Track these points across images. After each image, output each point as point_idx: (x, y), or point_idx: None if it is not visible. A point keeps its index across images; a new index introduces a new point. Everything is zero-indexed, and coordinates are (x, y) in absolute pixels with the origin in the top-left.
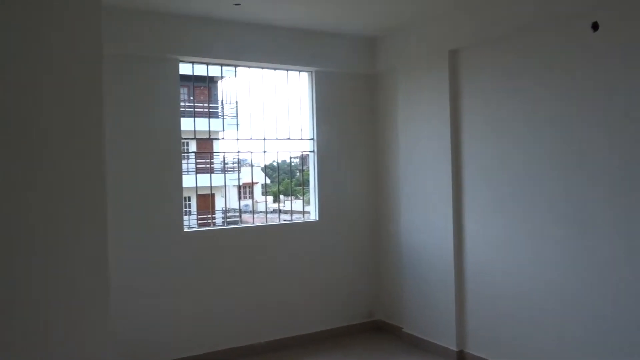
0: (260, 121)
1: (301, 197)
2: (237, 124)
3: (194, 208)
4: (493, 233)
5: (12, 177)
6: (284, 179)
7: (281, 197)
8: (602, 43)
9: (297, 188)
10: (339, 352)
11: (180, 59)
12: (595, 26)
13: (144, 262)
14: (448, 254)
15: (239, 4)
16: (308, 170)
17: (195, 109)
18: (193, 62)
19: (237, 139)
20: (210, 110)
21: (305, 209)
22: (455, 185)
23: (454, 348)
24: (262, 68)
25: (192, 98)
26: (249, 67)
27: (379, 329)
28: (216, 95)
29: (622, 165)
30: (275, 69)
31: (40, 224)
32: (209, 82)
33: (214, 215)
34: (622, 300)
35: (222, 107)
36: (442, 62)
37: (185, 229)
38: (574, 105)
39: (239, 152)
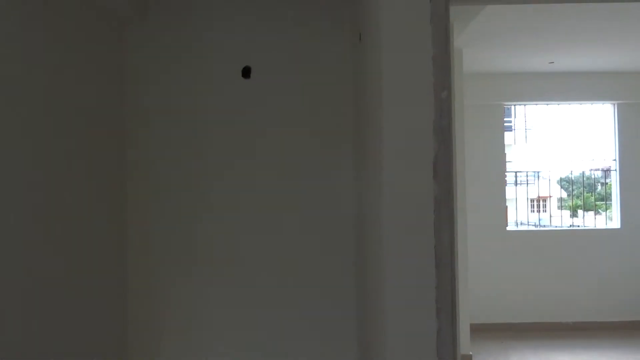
0: (556, 143)
1: (602, 212)
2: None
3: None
4: None
5: None
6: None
7: (579, 212)
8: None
9: (599, 203)
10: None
11: (504, 104)
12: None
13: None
14: None
15: (552, 62)
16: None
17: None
18: (514, 105)
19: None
20: (505, 124)
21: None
22: None
23: None
24: (569, 104)
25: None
26: (558, 104)
27: None
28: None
29: None
30: (581, 104)
31: None
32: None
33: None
34: None
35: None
36: None
37: (508, 229)
38: None
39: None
